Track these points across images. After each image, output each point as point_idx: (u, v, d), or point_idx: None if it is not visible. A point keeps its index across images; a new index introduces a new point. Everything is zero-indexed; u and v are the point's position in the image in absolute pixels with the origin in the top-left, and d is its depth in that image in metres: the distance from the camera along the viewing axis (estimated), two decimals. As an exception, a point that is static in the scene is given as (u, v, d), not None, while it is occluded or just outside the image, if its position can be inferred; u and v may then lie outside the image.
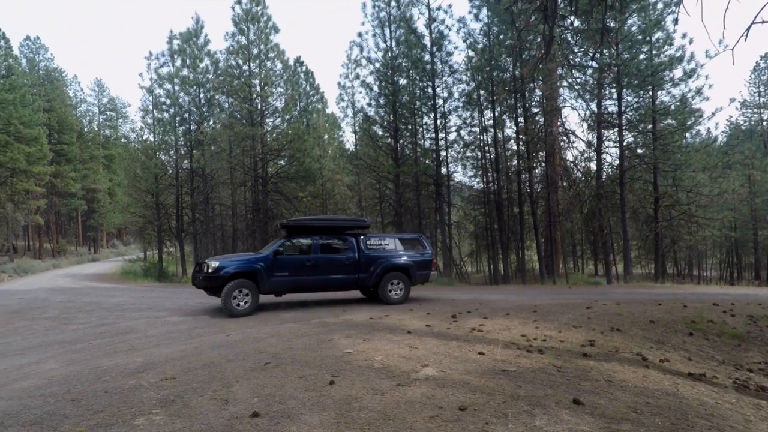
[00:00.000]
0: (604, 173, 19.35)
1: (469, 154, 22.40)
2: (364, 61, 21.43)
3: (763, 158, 30.07)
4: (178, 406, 3.58)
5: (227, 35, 21.56)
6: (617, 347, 5.61)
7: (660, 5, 16.98)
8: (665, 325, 6.90)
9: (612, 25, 16.17)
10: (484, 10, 19.55)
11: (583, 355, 5.16)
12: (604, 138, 18.71)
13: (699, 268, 35.21)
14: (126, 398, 3.81)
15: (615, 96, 18.00)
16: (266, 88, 21.62)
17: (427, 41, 19.96)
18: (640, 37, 17.26)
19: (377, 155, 22.51)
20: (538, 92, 20.19)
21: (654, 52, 17.57)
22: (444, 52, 20.00)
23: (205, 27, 25.16)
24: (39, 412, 3.57)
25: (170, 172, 25.42)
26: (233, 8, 21.21)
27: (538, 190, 20.64)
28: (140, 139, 26.82)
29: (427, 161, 21.13)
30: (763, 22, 3.84)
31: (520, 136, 19.43)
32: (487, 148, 21.58)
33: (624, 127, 17.92)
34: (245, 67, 21.72)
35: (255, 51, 21.57)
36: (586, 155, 20.75)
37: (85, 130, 49.24)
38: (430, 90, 20.45)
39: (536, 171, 21.22)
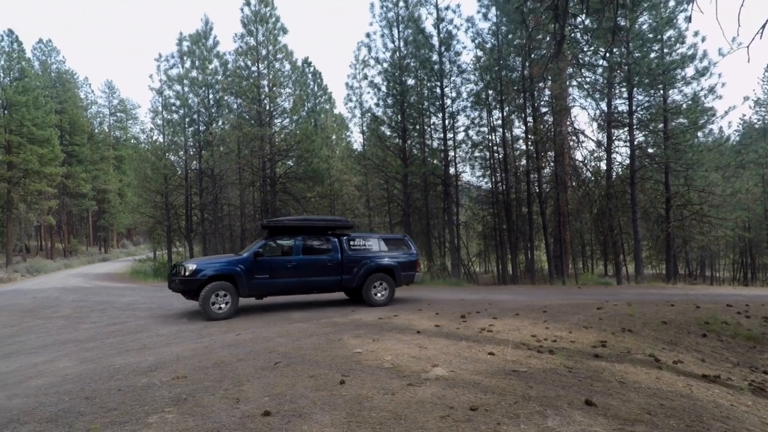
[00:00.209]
0: (614, 173, 19.16)
1: (477, 154, 22.30)
2: (372, 62, 21.45)
3: (776, 157, 29.60)
4: (190, 404, 3.61)
5: (236, 36, 21.71)
6: (629, 348, 5.55)
7: (672, 3, 16.78)
8: (678, 327, 6.81)
9: (623, 23, 16.02)
10: (493, 10, 19.46)
11: (594, 356, 5.11)
12: (614, 137, 18.53)
13: (711, 269, 34.75)
14: (139, 396, 3.85)
15: (625, 95, 17.80)
16: (275, 88, 21.71)
17: (435, 41, 19.91)
18: (651, 35, 17.06)
19: (385, 155, 22.50)
20: (547, 92, 20.05)
21: (665, 50, 17.36)
22: (452, 52, 19.93)
23: (214, 29, 25.36)
24: (54, 409, 3.62)
25: (179, 172, 25.65)
26: (242, 10, 21.35)
27: (547, 190, 20.49)
28: (150, 140, 27.12)
29: (435, 161, 21.08)
30: (779, 18, 3.77)
31: (529, 136, 19.31)
32: (495, 148, 21.48)
33: (635, 127, 17.73)
34: (254, 68, 21.84)
35: (263, 52, 21.68)
36: (595, 155, 20.57)
37: (96, 131, 49.88)
38: (438, 90, 20.40)
39: (545, 171, 21.07)
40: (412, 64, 20.59)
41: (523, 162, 20.44)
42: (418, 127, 21.26)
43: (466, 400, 3.60)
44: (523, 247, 21.88)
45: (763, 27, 4.06)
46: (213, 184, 24.53)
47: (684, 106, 17.47)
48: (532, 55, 18.38)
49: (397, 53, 20.65)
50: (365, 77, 23.22)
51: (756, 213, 26.22)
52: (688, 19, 16.68)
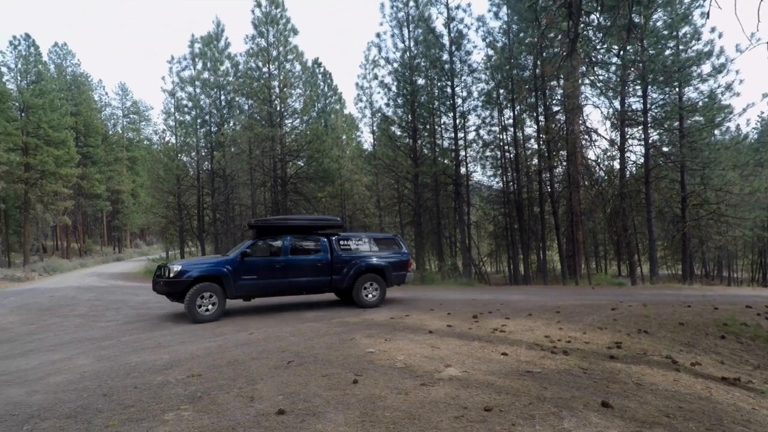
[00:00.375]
0: (628, 172, 18.90)
1: (488, 153, 22.15)
2: (382, 62, 21.44)
3: (796, 155, 28.89)
4: (205, 402, 3.64)
5: (247, 38, 21.86)
6: (645, 350, 5.46)
7: (687, -1, 16.52)
8: (695, 328, 6.69)
9: (637, 20, 15.78)
10: (504, 8, 19.33)
11: (609, 357, 5.04)
12: (627, 136, 18.29)
13: (729, 270, 34.01)
14: (155, 394, 3.89)
15: (639, 93, 17.56)
16: (285, 89, 21.83)
17: (445, 41, 19.83)
18: (666, 32, 16.81)
19: (396, 155, 22.47)
20: (559, 90, 19.84)
21: (681, 47, 17.07)
22: (463, 51, 19.82)
23: (226, 30, 25.57)
24: (73, 405, 3.68)
25: (192, 173, 25.96)
26: (253, 11, 21.49)
27: (560, 189, 20.29)
28: (162, 141, 27.54)
29: (445, 161, 20.99)
30: (802, 12, 3.68)
31: (541, 135, 19.13)
32: (506, 147, 21.32)
33: (649, 125, 17.47)
34: (265, 69, 21.97)
35: (274, 53, 21.81)
36: (608, 154, 20.36)
37: (110, 132, 50.72)
38: (448, 89, 20.32)
39: (557, 170, 20.86)
40: (422, 63, 20.53)
41: (535, 161, 20.25)
42: (428, 126, 21.20)
43: (480, 400, 3.57)
44: (535, 247, 21.69)
45: (785, 21, 3.95)
46: (225, 184, 24.76)
47: (700, 103, 17.17)
48: (544, 54, 18.21)
49: (408, 53, 20.61)
50: (375, 77, 23.22)
51: (775, 212, 25.59)
52: (706, 15, 16.33)
